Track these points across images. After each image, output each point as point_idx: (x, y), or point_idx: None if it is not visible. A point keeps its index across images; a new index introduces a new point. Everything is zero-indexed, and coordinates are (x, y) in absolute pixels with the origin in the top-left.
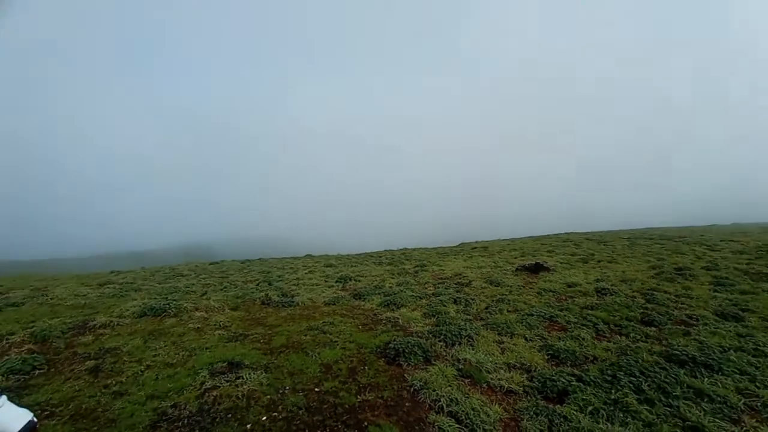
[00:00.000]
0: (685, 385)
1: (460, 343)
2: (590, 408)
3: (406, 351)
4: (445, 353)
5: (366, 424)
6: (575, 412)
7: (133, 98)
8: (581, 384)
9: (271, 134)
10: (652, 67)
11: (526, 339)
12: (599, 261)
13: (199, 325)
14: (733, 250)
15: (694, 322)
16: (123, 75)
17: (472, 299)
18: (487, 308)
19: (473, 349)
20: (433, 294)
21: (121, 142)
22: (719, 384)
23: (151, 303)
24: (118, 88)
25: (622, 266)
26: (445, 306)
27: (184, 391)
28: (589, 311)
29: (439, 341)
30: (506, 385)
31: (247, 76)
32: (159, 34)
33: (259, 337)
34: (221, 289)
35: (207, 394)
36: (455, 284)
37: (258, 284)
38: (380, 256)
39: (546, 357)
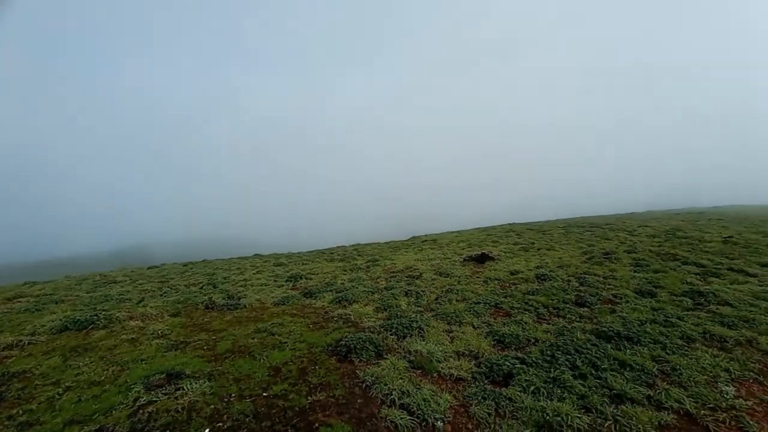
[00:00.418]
0: (611, 358)
1: (411, 335)
2: (532, 388)
3: (358, 347)
4: (396, 346)
5: (317, 425)
6: (519, 393)
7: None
8: (524, 366)
9: (220, 125)
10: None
11: (473, 327)
12: (539, 249)
13: (133, 336)
14: (648, 234)
15: (619, 301)
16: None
17: (423, 291)
18: (437, 299)
19: (424, 340)
20: (385, 288)
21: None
22: (638, 354)
23: (74, 315)
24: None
25: (559, 253)
26: (396, 299)
27: (114, 411)
28: (531, 296)
29: (391, 335)
30: (456, 373)
31: (190, 66)
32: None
33: (203, 344)
34: (161, 295)
35: (141, 411)
36: (407, 277)
37: (202, 288)
38: (332, 253)
39: (492, 343)
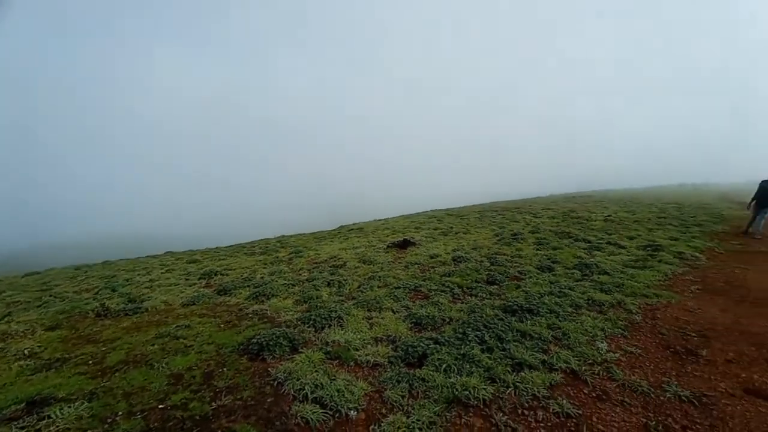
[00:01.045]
0: (515, 330)
1: (330, 326)
2: (444, 366)
3: (271, 343)
4: (314, 338)
5: None
6: (432, 372)
7: None
8: (438, 345)
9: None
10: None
11: (393, 311)
12: (457, 233)
13: None
14: (549, 216)
15: (523, 277)
16: None
17: (346, 280)
18: (359, 287)
19: (343, 330)
20: (307, 279)
21: None
22: (537, 324)
23: None
24: None
25: (474, 236)
26: (318, 290)
27: None
28: (447, 278)
29: (309, 327)
30: (372, 360)
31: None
32: None
33: (87, 358)
34: (38, 306)
35: None
36: (330, 267)
37: (97, 293)
38: (254, 246)
39: (410, 325)
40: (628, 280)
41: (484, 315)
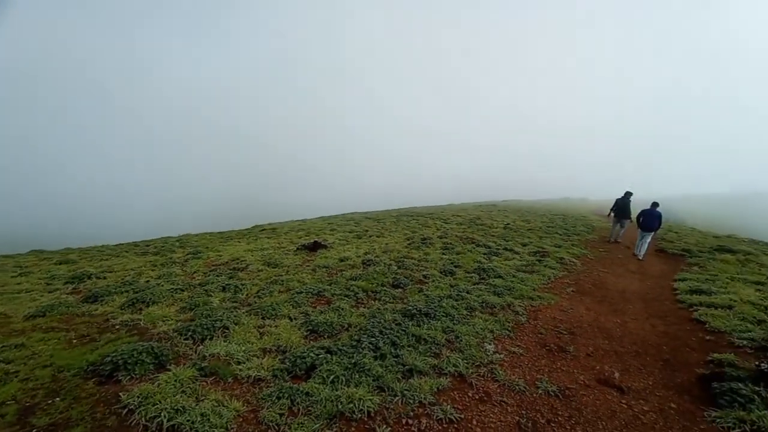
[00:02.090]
0: (410, 335)
1: (212, 337)
2: (332, 377)
3: (130, 361)
4: (190, 352)
5: None
6: (318, 385)
7: None
8: (329, 355)
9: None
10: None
11: (290, 318)
12: (371, 236)
13: None
14: (457, 222)
15: (427, 281)
16: None
17: (244, 284)
18: (258, 292)
19: (227, 341)
20: (200, 284)
21: None
22: (432, 328)
23: None
24: None
25: (387, 239)
26: (210, 296)
27: None
28: (354, 282)
29: (187, 339)
30: (254, 374)
31: None
32: None
33: None
34: None
35: None
36: (230, 270)
37: None
38: (148, 245)
39: (305, 333)
40: (518, 284)
41: (383, 320)
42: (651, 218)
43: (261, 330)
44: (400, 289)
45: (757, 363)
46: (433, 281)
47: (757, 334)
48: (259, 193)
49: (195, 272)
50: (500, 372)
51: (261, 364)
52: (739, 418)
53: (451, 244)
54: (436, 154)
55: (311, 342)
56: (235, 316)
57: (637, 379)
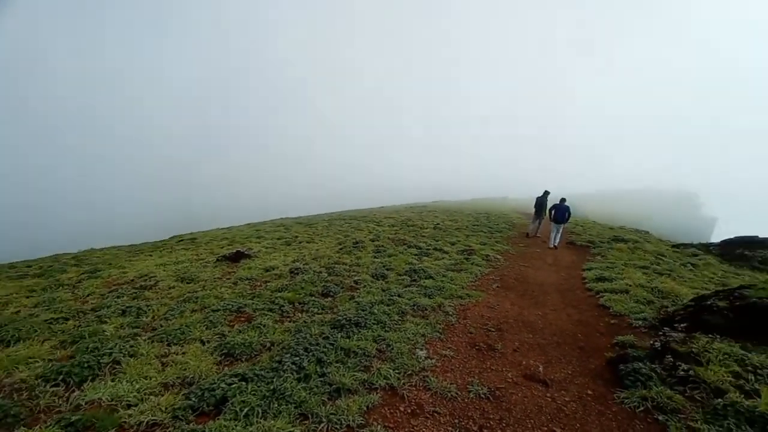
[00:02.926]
0: (339, 348)
1: (96, 377)
2: (246, 410)
3: None
4: (59, 403)
5: None
6: (228, 422)
7: None
8: (244, 383)
9: None
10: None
11: (202, 342)
12: (300, 242)
13: None
14: (389, 224)
15: (359, 286)
16: None
17: (150, 306)
18: (167, 313)
19: (115, 380)
20: (92, 309)
21: None
22: (363, 338)
23: None
24: None
25: (318, 245)
26: (103, 323)
27: None
28: (279, 293)
29: (56, 386)
30: (148, 419)
31: None
32: None
33: None
34: None
35: None
36: (134, 289)
37: None
38: (30, 266)
39: (219, 359)
40: (448, 283)
41: (309, 335)
42: (561, 212)
43: (164, 360)
44: (329, 298)
45: (651, 342)
46: (365, 287)
47: (648, 314)
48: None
49: (89, 295)
50: (432, 379)
51: (158, 404)
52: (642, 396)
53: (383, 246)
54: (373, 158)
55: (225, 368)
56: (131, 347)
57: (559, 370)
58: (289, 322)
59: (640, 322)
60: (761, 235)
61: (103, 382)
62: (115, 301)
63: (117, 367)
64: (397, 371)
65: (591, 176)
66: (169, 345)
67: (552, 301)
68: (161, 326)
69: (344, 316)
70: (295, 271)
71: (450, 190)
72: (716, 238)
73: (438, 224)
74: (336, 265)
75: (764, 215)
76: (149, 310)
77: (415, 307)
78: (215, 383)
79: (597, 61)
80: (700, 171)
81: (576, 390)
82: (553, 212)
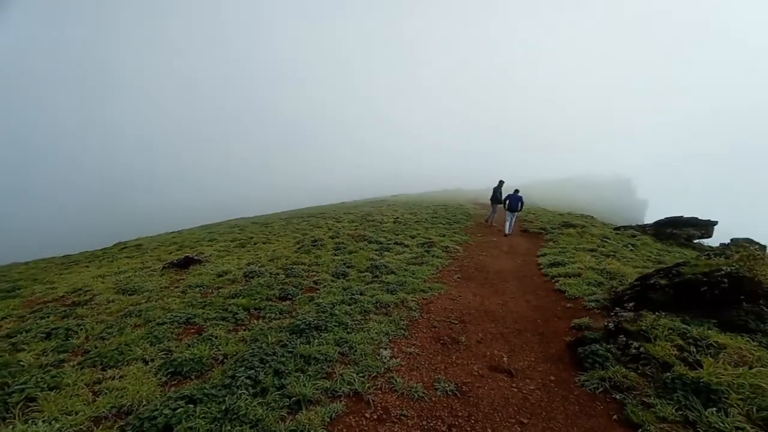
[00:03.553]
0: (298, 356)
1: (2, 420)
2: None
3: None
4: None
5: None
6: None
7: None
8: (191, 405)
9: None
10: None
11: (144, 362)
12: (256, 243)
13: None
14: (349, 220)
15: (318, 287)
16: None
17: (83, 325)
18: (103, 331)
19: (28, 422)
20: (6, 336)
21: None
22: (324, 342)
23: None
24: None
25: (275, 245)
26: (19, 351)
27: None
28: (233, 300)
29: None
30: None
31: None
32: None
33: None
34: None
35: None
36: (65, 307)
37: None
38: None
39: (164, 379)
40: (409, 277)
41: (266, 344)
42: (515, 201)
43: (96, 388)
44: (288, 301)
45: (605, 323)
46: (325, 286)
47: (600, 296)
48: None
49: (3, 319)
50: (398, 380)
51: None
52: (600, 377)
53: (343, 243)
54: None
55: (171, 390)
56: (53, 377)
57: (522, 358)
58: (244, 330)
59: (593, 304)
60: (686, 215)
61: (11, 428)
62: (38, 323)
63: (31, 405)
64: (361, 375)
65: (540, 166)
66: (104, 369)
67: (511, 289)
68: (95, 348)
69: (304, 320)
70: (251, 275)
71: (410, 183)
72: (649, 219)
73: (398, 218)
74: (294, 266)
75: (688, 195)
76: (81, 330)
77: (378, 305)
78: (158, 409)
79: (547, 58)
80: (631, 157)
81: (540, 377)
82: (507, 202)
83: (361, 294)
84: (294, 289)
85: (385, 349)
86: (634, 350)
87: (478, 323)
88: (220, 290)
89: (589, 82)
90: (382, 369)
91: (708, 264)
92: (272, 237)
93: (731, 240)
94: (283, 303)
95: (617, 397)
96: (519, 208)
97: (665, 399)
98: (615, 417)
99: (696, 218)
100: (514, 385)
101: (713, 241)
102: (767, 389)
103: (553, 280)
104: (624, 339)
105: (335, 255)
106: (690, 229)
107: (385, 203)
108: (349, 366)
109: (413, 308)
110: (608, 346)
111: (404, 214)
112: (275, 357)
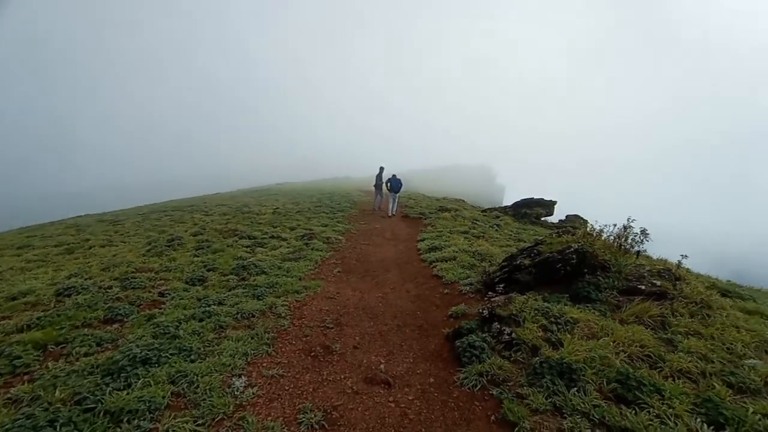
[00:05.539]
0: (103, 414)
1: None
2: None
3: None
4: None
5: None
6: None
7: None
8: None
9: None
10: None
11: None
12: (91, 248)
13: None
14: (221, 213)
15: (164, 300)
16: None
17: None
18: None
19: None
20: None
21: None
22: (151, 382)
23: None
24: None
25: (118, 248)
26: None
27: None
28: (21, 335)
29: None
30: None
31: None
32: None
33: None
34: None
35: None
36: None
37: None
38: None
39: None
40: (283, 277)
41: (49, 402)
42: (396, 183)
43: None
44: (116, 325)
45: (480, 309)
46: (174, 298)
47: (474, 278)
48: None
49: None
50: (251, 420)
51: None
52: (478, 372)
53: (207, 241)
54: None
55: None
56: None
57: (401, 360)
58: (25, 383)
59: (468, 288)
60: (536, 197)
61: None
62: None
63: None
64: (199, 422)
65: (417, 155)
66: None
67: (392, 279)
68: None
69: (128, 353)
70: (66, 292)
71: (298, 173)
72: (507, 201)
73: (278, 208)
74: (137, 274)
75: (537, 179)
76: None
77: (239, 316)
78: None
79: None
80: (492, 147)
81: (419, 382)
82: (389, 184)
83: (219, 304)
84: (128, 306)
85: (240, 376)
86: (507, 337)
87: (356, 323)
88: (10, 320)
89: (466, 78)
90: (232, 407)
91: (560, 242)
92: (117, 238)
93: (566, 216)
94: (108, 328)
95: (494, 392)
96: (399, 189)
97: (536, 387)
98: (493, 417)
99: (542, 199)
100: (391, 398)
101: (555, 218)
102: (612, 359)
103: (431, 266)
104: (498, 326)
105: (195, 256)
106: (539, 209)
107: (268, 192)
108: (184, 412)
109: (283, 315)
110: (484, 335)
111: (286, 204)
112: (63, 422)
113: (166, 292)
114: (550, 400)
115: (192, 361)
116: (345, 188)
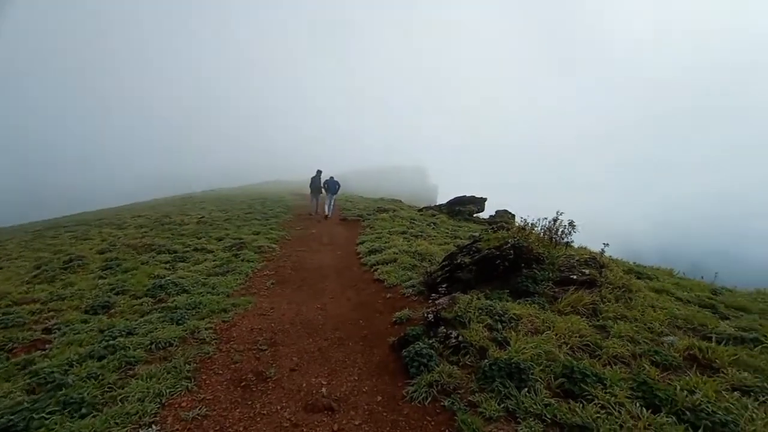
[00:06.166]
0: None
1: None
2: None
3: None
4: None
5: None
6: None
7: None
8: None
9: None
10: None
11: None
12: None
13: None
14: (137, 225)
15: (51, 336)
16: None
17: None
18: None
19: None
20: None
21: None
22: None
23: None
24: None
25: None
26: None
27: None
28: None
29: None
30: None
31: None
32: None
33: None
34: None
35: None
36: None
37: None
38: None
39: None
40: (208, 294)
41: None
42: (332, 184)
43: None
44: None
45: (425, 314)
46: (65, 334)
47: (416, 280)
48: None
49: None
50: None
51: None
52: (428, 382)
53: (117, 259)
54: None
55: None
56: None
57: (345, 379)
58: None
59: (410, 290)
60: (468, 195)
61: None
62: None
63: None
64: None
65: (350, 157)
66: None
67: (331, 287)
68: None
69: None
70: None
71: (230, 177)
72: (440, 200)
73: (203, 217)
74: (13, 308)
75: (466, 177)
76: None
77: (153, 347)
78: None
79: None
80: (425, 150)
81: (365, 402)
82: (326, 185)
83: (127, 335)
84: None
85: (150, 426)
86: (454, 340)
87: (293, 341)
88: None
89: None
90: None
91: (497, 238)
92: None
93: (496, 211)
94: None
95: (446, 403)
96: (336, 191)
97: (488, 392)
98: None
99: (473, 196)
100: (336, 426)
101: (485, 214)
102: (557, 353)
103: (372, 269)
104: (444, 329)
105: (101, 278)
106: (471, 206)
107: (192, 200)
108: None
109: (207, 340)
110: (431, 341)
111: (213, 212)
112: None
113: (55, 327)
114: (502, 405)
115: (82, 417)
116: (278, 192)
